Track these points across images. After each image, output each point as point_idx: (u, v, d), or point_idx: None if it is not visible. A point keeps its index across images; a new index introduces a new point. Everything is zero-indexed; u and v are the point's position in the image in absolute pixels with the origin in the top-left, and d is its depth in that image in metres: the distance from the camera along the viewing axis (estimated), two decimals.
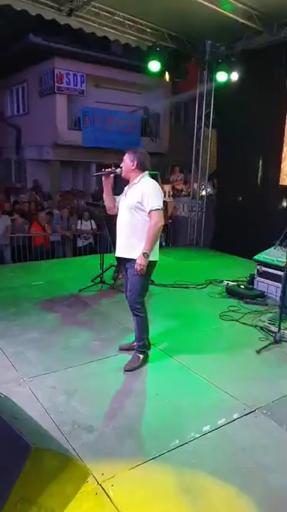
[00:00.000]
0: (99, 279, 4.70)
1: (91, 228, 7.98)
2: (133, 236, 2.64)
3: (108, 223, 4.93)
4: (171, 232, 8.41)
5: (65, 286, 4.67)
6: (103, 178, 2.81)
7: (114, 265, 4.96)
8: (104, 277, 4.67)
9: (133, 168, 2.67)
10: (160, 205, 2.57)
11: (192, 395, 2.53)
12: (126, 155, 2.68)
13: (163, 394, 2.53)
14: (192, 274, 5.42)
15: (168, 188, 9.93)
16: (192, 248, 7.59)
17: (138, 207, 2.60)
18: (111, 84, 11.17)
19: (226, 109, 7.07)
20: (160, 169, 12.39)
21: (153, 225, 2.56)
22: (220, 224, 7.50)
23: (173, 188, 10.64)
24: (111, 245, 6.58)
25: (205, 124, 7.45)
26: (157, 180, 2.85)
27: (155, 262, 2.75)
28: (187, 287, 4.79)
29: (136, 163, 2.65)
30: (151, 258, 2.66)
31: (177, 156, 11.49)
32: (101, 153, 11.19)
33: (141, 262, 2.59)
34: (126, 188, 2.76)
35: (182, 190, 10.26)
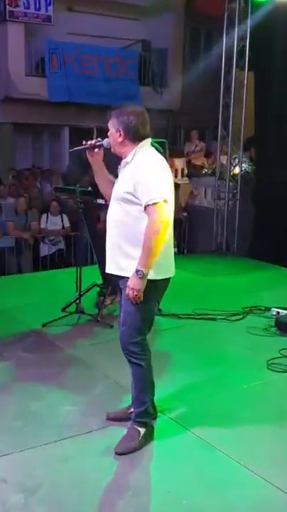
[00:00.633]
0: (74, 306, 4.73)
1: (63, 227, 8.02)
2: (125, 241, 2.69)
3: (88, 219, 4.98)
4: (187, 232, 8.41)
5: (20, 319, 4.70)
6: (88, 155, 2.90)
7: (98, 284, 5.00)
8: (83, 304, 4.73)
9: (120, 140, 2.72)
10: (161, 196, 2.60)
11: (222, 492, 2.50)
12: (110, 121, 2.74)
13: (177, 491, 2.49)
14: (222, 297, 5.43)
15: (180, 163, 10.03)
16: (220, 256, 7.58)
17: (128, 199, 2.66)
18: (93, 6, 11.27)
19: (268, 43, 7.05)
20: (168, 135, 12.58)
21: (150, 226, 2.59)
22: (263, 219, 7.44)
23: (189, 163, 10.74)
24: (92, 253, 6.73)
25: (237, 65, 7.43)
26: (163, 154, 2.86)
27: (165, 280, 2.81)
28: (213, 319, 4.83)
29: (122, 131, 2.69)
30: (156, 276, 2.72)
31: (194, 115, 11.64)
32: (78, 112, 11.32)
33: (133, 285, 2.62)
34: (119, 169, 2.82)
35: (202, 167, 10.35)
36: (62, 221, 7.97)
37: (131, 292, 2.63)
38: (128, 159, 2.72)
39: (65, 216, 7.99)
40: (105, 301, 4.79)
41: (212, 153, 10.66)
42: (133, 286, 2.62)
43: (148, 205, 2.59)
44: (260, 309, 4.99)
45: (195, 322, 4.77)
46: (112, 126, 2.72)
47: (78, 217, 5.44)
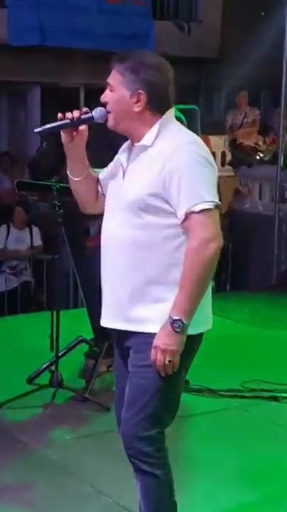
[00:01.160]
0: (47, 376, 4.73)
1: (31, 246, 8.15)
2: (144, 276, 2.72)
3: (71, 233, 5.01)
4: (230, 255, 8.49)
5: None
6: (62, 134, 2.85)
7: (86, 340, 5.02)
8: (61, 372, 4.70)
9: (137, 109, 2.72)
10: (213, 200, 2.66)
11: None
12: (117, 74, 2.73)
13: None
14: None
15: (220, 143, 10.07)
16: (285, 295, 7.61)
17: (154, 206, 2.68)
18: None
19: None
20: (200, 99, 12.66)
21: (197, 248, 2.64)
22: None
23: (234, 143, 10.77)
24: (77, 289, 6.76)
25: None
26: (194, 129, 2.88)
27: (202, 335, 2.83)
28: (275, 398, 4.87)
29: (145, 95, 2.71)
30: (195, 329, 2.74)
31: (242, 67, 11.75)
32: (56, 63, 11.43)
33: (167, 344, 2.65)
34: (121, 157, 2.82)
35: (256, 150, 10.37)
36: (31, 237, 8.02)
37: (161, 357, 2.62)
38: (146, 141, 2.72)
39: (34, 229, 8.05)
40: (97, 368, 4.79)
41: (271, 128, 10.71)
42: (167, 347, 2.61)
43: (191, 214, 2.61)
44: None
45: (244, 403, 4.76)
46: (123, 83, 2.71)
47: (55, 231, 5.38)
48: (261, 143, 10.41)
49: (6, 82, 12.20)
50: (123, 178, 2.77)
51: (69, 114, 2.79)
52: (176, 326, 2.60)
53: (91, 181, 2.92)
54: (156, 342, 2.63)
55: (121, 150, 2.84)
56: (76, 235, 5.05)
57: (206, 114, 12.45)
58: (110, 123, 2.77)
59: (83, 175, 2.89)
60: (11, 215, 8.05)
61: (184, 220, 2.61)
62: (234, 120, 11.13)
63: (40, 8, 11.22)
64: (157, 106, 2.73)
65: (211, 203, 2.61)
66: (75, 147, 2.88)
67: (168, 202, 2.64)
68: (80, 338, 4.97)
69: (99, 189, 2.92)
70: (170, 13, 12.62)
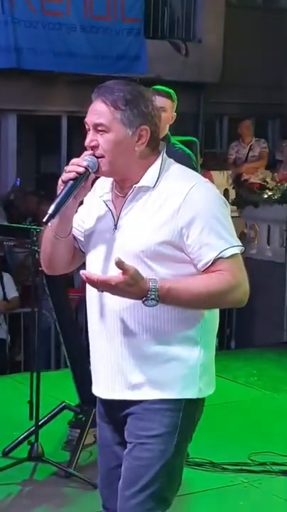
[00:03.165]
0: (25, 448, 4.71)
1: (5, 298, 8.12)
2: (153, 334, 2.74)
3: (52, 283, 5.04)
4: (235, 308, 8.38)
5: None
6: (71, 192, 2.70)
7: (70, 407, 5.03)
8: (42, 444, 4.68)
9: (140, 148, 2.71)
10: (238, 243, 2.72)
11: None
12: (104, 106, 2.67)
13: None
14: None
15: (222, 180, 10.11)
16: None
17: (167, 255, 2.70)
18: None
19: None
20: (200, 129, 12.62)
21: (230, 284, 2.67)
22: None
23: (239, 179, 10.81)
24: (59, 347, 6.75)
25: None
26: (193, 163, 2.87)
27: (204, 400, 2.85)
28: (286, 472, 4.84)
29: (149, 132, 2.69)
30: (199, 392, 2.77)
31: (247, 93, 12.02)
32: (34, 88, 11.51)
33: (130, 292, 2.60)
34: (105, 201, 2.79)
35: (263, 187, 10.41)
36: (3, 288, 8.04)
37: (110, 290, 2.58)
38: (146, 182, 2.74)
39: (7, 278, 8.06)
40: (83, 439, 4.77)
41: (280, 162, 10.79)
42: (125, 294, 2.59)
43: (218, 260, 2.65)
44: None
45: (251, 478, 4.73)
46: (120, 121, 2.69)
47: (34, 281, 5.42)
48: (269, 179, 10.38)
49: None
50: (116, 225, 2.75)
51: (68, 175, 2.67)
52: (152, 295, 2.57)
53: (71, 237, 2.87)
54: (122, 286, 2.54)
55: (97, 191, 2.83)
56: (59, 286, 5.07)
57: (206, 145, 12.52)
58: (103, 169, 2.71)
59: (68, 232, 2.84)
60: None
61: (208, 266, 2.64)
62: (238, 153, 11.19)
63: (15, 26, 11.28)
64: (156, 142, 2.75)
65: (238, 248, 2.66)
66: (72, 206, 2.79)
67: (182, 250, 2.66)
68: (64, 404, 4.97)
69: (76, 244, 2.89)
70: (165, 31, 12.66)
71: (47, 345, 6.76)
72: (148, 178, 2.72)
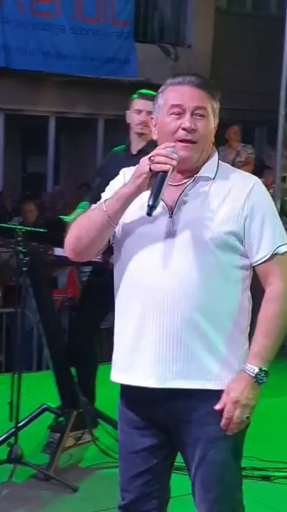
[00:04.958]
0: (5, 449, 4.71)
1: None
2: (216, 323, 2.78)
3: (37, 284, 5.05)
4: None
5: None
6: (142, 183, 2.74)
7: (51, 409, 5.00)
8: (21, 446, 4.69)
9: (212, 137, 2.84)
10: None
11: None
12: (205, 94, 2.76)
13: None
14: None
15: None
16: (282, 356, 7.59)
17: (232, 246, 2.79)
18: None
19: None
20: None
21: (282, 291, 2.78)
22: None
23: None
24: (41, 348, 6.67)
25: None
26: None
27: None
28: (266, 477, 4.94)
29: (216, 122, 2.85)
30: None
31: (235, 98, 11.87)
32: (22, 89, 11.50)
33: (250, 397, 2.71)
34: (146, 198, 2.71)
35: None
36: None
37: (240, 413, 2.67)
38: (208, 173, 2.81)
39: None
40: (63, 442, 4.77)
41: (268, 169, 10.84)
42: (249, 402, 2.68)
43: (274, 256, 2.76)
44: None
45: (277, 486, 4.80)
46: (213, 111, 2.81)
47: (17, 281, 5.33)
48: None
49: None
50: (172, 213, 2.77)
51: (162, 167, 2.66)
52: (260, 377, 2.67)
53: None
54: (235, 396, 2.65)
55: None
56: (43, 286, 5.05)
57: None
58: (194, 158, 2.78)
59: (119, 219, 2.84)
60: None
61: (264, 261, 2.75)
62: (224, 158, 11.19)
63: (4, 26, 11.32)
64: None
65: None
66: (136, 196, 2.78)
67: (242, 242, 2.76)
68: (44, 406, 4.95)
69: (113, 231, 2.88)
70: (154, 35, 12.74)
71: (29, 346, 6.72)
72: (209, 169, 2.81)
